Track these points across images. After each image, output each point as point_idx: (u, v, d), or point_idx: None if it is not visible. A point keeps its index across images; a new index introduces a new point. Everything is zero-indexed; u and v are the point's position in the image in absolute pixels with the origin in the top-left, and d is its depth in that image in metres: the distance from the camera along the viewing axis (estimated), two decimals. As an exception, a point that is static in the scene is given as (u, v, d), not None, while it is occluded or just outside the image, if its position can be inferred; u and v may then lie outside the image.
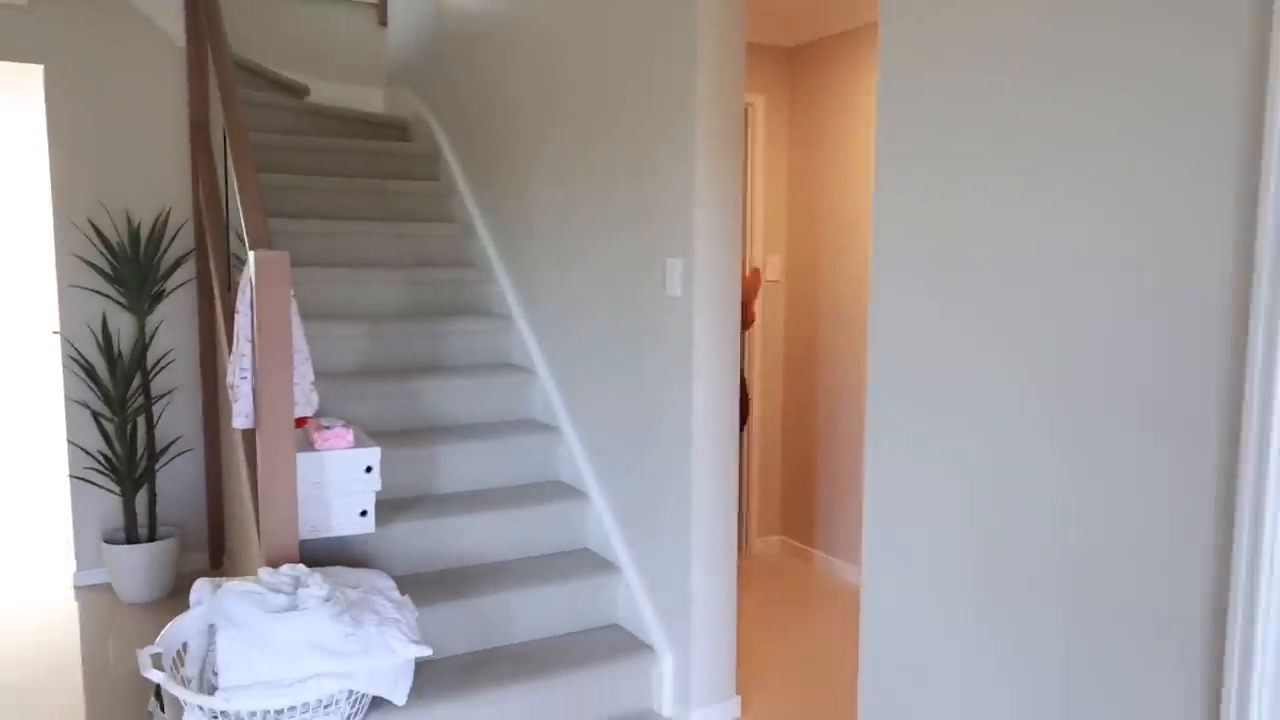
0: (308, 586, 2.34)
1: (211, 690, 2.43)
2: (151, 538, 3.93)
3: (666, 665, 2.97)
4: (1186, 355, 1.46)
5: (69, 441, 3.98)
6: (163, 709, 2.45)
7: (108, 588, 4.02)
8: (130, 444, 3.87)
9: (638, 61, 3.00)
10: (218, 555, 4.20)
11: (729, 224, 2.84)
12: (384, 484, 3.19)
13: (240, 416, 2.60)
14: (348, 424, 2.86)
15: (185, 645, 2.44)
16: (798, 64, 4.43)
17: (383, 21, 5.34)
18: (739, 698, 3.01)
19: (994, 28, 1.78)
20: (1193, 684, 1.46)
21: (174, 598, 3.93)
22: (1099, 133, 1.59)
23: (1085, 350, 1.62)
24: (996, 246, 1.78)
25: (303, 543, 2.82)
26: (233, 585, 2.33)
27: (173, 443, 4.07)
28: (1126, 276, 1.55)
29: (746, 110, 4.53)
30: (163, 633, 2.36)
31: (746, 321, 4.12)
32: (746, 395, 4.14)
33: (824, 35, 4.23)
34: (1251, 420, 1.33)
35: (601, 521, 3.28)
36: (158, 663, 2.37)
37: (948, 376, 1.90)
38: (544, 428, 3.55)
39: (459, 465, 3.36)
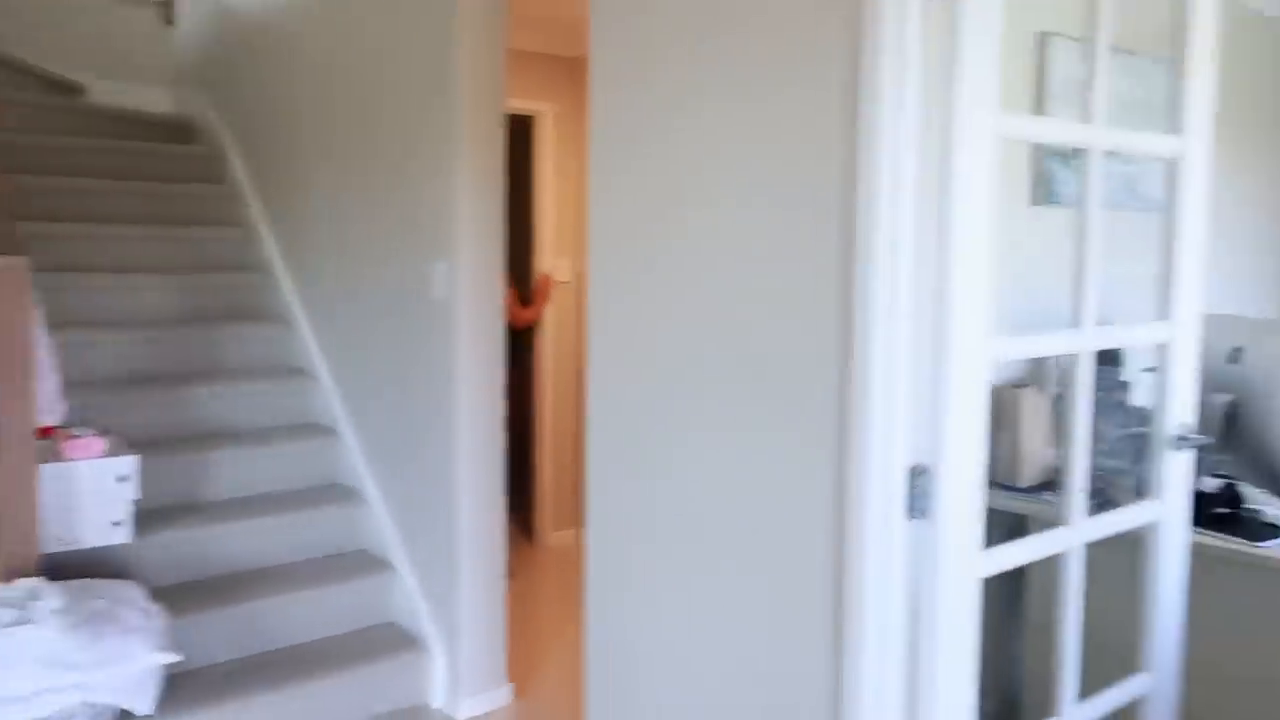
0: (41, 599, 2.32)
1: (-57, 710, 2.37)
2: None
3: (439, 658, 3.06)
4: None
5: None
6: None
7: None
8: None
9: (402, 69, 3.07)
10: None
11: (492, 228, 2.95)
12: (153, 492, 3.15)
13: (-24, 428, 2.54)
14: (103, 432, 2.83)
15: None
16: (583, 74, 4.58)
17: (169, 21, 5.20)
18: (511, 686, 3.13)
19: (664, 62, 1.94)
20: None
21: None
22: (756, 149, 1.77)
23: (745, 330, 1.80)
24: (675, 240, 1.95)
25: (51, 555, 2.77)
26: (-40, 601, 2.29)
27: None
28: (773, 266, 1.73)
29: (534, 118, 4.65)
30: (-116, 653, 2.29)
31: (532, 320, 4.30)
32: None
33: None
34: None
35: (379, 522, 3.34)
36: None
37: (640, 353, 2.06)
38: (323, 431, 3.58)
39: (233, 471, 3.35)
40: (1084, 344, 1.75)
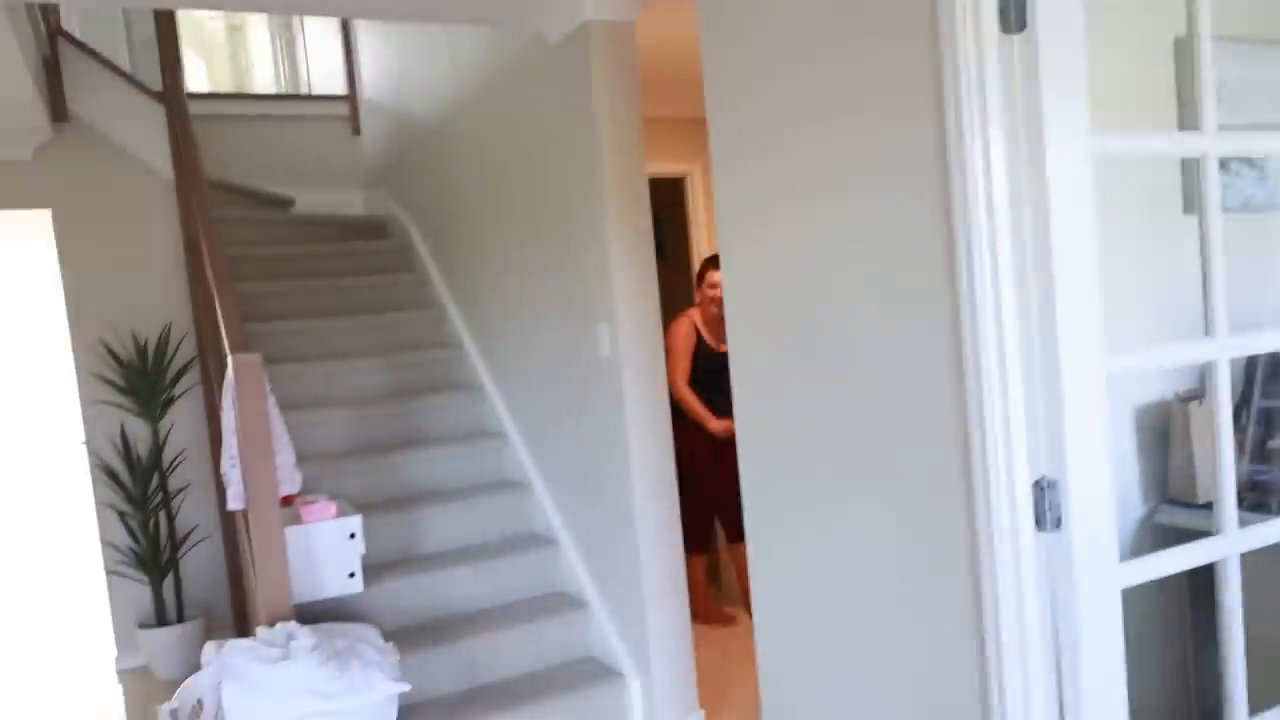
0: (298, 639, 2.72)
1: (225, 739, 2.79)
2: (180, 619, 4.33)
3: (635, 688, 3.31)
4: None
5: (101, 540, 4.41)
6: (185, 760, 2.82)
7: (145, 668, 4.41)
8: (154, 537, 4.29)
9: (555, 151, 3.43)
10: (242, 628, 4.59)
11: (646, 287, 3.23)
12: (374, 548, 3.57)
13: (234, 499, 3.01)
14: (331, 497, 3.25)
15: (200, 701, 2.82)
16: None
17: (356, 130, 5.85)
18: (702, 712, 3.34)
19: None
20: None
21: (203, 673, 4.32)
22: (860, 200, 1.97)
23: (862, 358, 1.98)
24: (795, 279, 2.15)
25: (299, 605, 3.20)
26: (235, 643, 2.72)
27: (190, 532, 4.49)
28: (890, 288, 1.91)
29: (684, 179, 4.96)
30: (178, 690, 2.75)
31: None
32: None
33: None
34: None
35: (571, 565, 3.64)
36: (175, 717, 2.75)
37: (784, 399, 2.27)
38: (516, 485, 3.93)
39: (440, 526, 3.74)
40: (1218, 352, 1.81)
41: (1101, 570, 1.66)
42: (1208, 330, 1.85)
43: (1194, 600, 2.50)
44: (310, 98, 6.00)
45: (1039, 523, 1.67)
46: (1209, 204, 1.85)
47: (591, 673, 3.38)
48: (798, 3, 2.05)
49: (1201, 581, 2.19)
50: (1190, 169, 2.79)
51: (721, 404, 4.23)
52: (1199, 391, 2.62)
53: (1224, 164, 2.82)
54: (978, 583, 1.75)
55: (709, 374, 4.21)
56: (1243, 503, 2.37)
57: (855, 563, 2.08)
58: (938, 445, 1.82)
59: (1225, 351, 1.84)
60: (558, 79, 3.34)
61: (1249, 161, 2.76)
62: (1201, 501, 2.38)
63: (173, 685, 4.19)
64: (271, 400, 2.98)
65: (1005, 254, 1.66)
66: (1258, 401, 2.48)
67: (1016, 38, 1.66)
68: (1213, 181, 1.84)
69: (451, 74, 4.29)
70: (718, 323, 4.26)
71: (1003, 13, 1.66)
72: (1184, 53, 2.77)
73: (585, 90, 3.17)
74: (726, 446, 4.23)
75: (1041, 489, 1.67)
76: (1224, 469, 1.84)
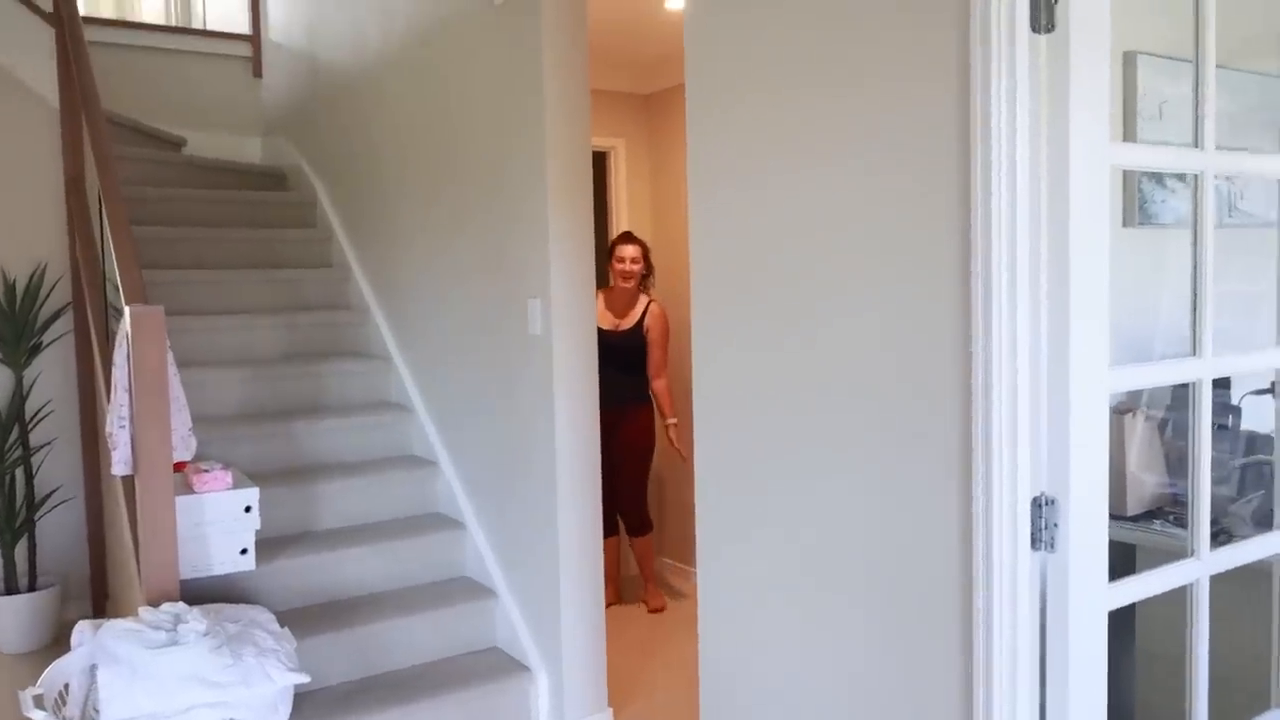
0: (187, 623, 2.47)
1: (94, 728, 2.52)
2: (32, 587, 3.94)
3: (542, 683, 3.16)
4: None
5: (-57, 497, 3.97)
6: (46, 750, 2.53)
7: (-13, 641, 4.00)
8: (9, 496, 3.89)
9: (489, 112, 3.23)
10: (100, 603, 4.22)
11: (583, 266, 3.08)
12: (266, 522, 3.30)
13: (120, 464, 2.71)
14: (226, 466, 2.99)
15: (67, 686, 2.54)
16: (655, 109, 4.74)
17: (258, 73, 5.46)
18: (610, 710, 3.22)
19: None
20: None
21: (55, 646, 3.94)
22: (860, 170, 1.88)
23: (858, 354, 1.90)
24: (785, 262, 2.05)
25: (185, 582, 2.92)
26: (114, 624, 2.44)
27: (52, 493, 4.10)
28: (890, 292, 1.83)
29: (607, 153, 4.81)
30: (44, 674, 2.46)
31: None
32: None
33: (676, 84, 4.54)
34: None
35: (479, 550, 3.46)
36: (39, 703, 2.45)
37: (752, 382, 2.16)
38: (423, 463, 3.72)
39: (340, 502, 3.50)
40: (1204, 372, 1.81)
41: (1092, 591, 1.62)
42: (1195, 349, 1.84)
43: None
44: (207, 33, 5.55)
45: (1034, 540, 1.62)
46: (1205, 224, 1.83)
47: (496, 665, 3.21)
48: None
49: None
50: (1130, 182, 2.83)
51: (625, 383, 4.18)
52: (1130, 404, 2.67)
53: (1160, 180, 2.88)
54: (968, 599, 1.69)
55: (609, 350, 4.20)
56: (1168, 517, 2.40)
57: (824, 570, 2.00)
58: (935, 454, 1.74)
59: (1211, 370, 1.83)
60: (502, 40, 3.14)
61: (1182, 178, 2.83)
62: (1131, 514, 2.42)
63: (20, 662, 3.82)
64: (170, 358, 2.70)
65: (1023, 262, 1.59)
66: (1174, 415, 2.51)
67: (1045, 38, 1.59)
68: (1209, 200, 1.82)
69: (377, 24, 4.02)
70: (624, 298, 4.31)
71: (1034, 12, 1.59)
72: (1130, 66, 2.81)
73: (534, 54, 2.99)
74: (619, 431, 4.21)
75: (1039, 506, 1.61)
76: (1201, 494, 1.84)
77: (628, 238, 4.32)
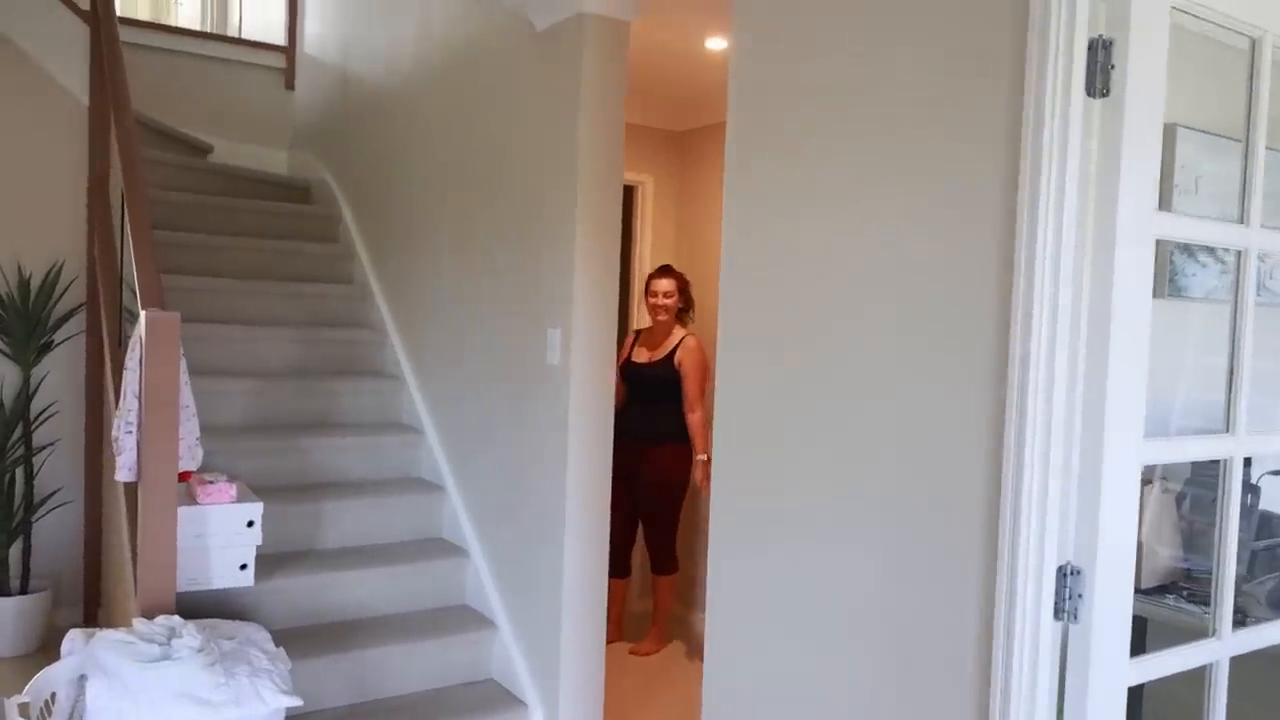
0: (181, 637, 2.42)
1: (79, 740, 2.46)
2: (24, 590, 3.89)
3: (537, 717, 3.09)
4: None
5: (-57, 490, 3.92)
6: (28, 759, 2.47)
7: (-25, 641, 3.94)
8: (7, 495, 3.85)
9: (523, 141, 3.22)
10: (92, 609, 4.16)
11: (607, 297, 3.05)
12: (269, 538, 3.25)
13: (124, 470, 2.67)
14: (231, 479, 2.95)
15: (54, 695, 2.48)
16: (686, 147, 4.73)
17: (290, 85, 5.48)
18: (604, 750, 3.15)
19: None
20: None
21: (44, 651, 3.88)
22: (900, 210, 1.85)
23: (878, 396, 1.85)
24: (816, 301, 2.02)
25: (181, 595, 2.87)
26: (106, 635, 2.39)
27: (52, 494, 4.06)
28: (923, 352, 1.79)
29: (635, 188, 4.80)
30: (31, 682, 2.40)
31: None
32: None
33: (709, 123, 4.54)
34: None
35: (480, 579, 3.40)
36: (25, 712, 2.40)
37: (778, 421, 2.12)
38: (430, 487, 3.67)
39: (344, 521, 3.45)
40: (1238, 449, 1.77)
41: (1113, 665, 1.58)
42: (1229, 426, 1.79)
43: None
44: (242, 42, 5.59)
45: (1057, 610, 1.57)
46: (1245, 299, 1.80)
47: (492, 697, 3.15)
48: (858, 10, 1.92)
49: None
50: (1162, 254, 2.79)
51: (652, 416, 4.12)
52: (1148, 476, 2.62)
53: (1191, 253, 2.85)
54: (986, 663, 1.64)
55: (637, 382, 4.18)
56: (1181, 592, 2.34)
57: (839, 623, 1.95)
58: (962, 515, 1.70)
59: (1243, 449, 1.79)
60: (542, 68, 3.13)
61: (1213, 253, 2.79)
62: (1144, 587, 2.37)
63: (6, 666, 3.76)
64: (183, 366, 2.67)
65: (1063, 326, 1.55)
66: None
67: (1099, 102, 1.57)
68: (1251, 276, 1.79)
69: (413, 42, 4.02)
70: (659, 331, 4.23)
71: (1089, 76, 1.56)
72: (1170, 137, 2.78)
73: (573, 84, 2.97)
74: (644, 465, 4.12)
75: (1064, 575, 1.57)
76: (1226, 573, 1.79)
77: (664, 271, 4.22)
